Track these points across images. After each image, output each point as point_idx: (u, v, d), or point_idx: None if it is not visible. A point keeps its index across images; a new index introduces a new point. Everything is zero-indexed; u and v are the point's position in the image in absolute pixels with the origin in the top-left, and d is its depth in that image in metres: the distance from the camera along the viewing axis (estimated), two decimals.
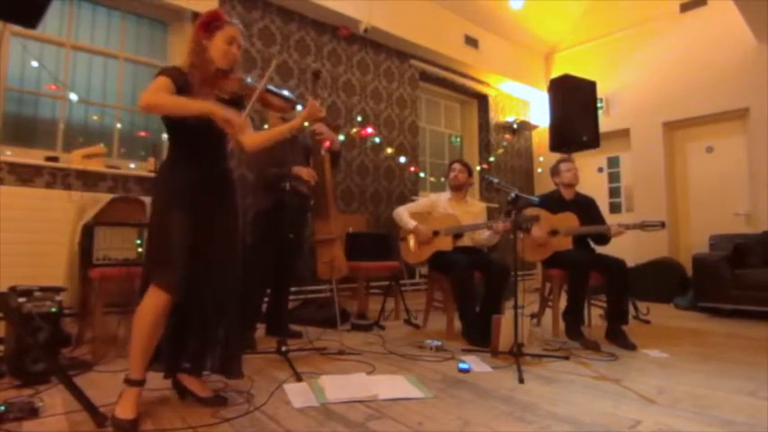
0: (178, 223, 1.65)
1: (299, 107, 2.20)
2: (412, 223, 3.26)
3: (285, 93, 1.95)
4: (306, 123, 2.75)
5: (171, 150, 1.78)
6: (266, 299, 3.04)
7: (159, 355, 1.72)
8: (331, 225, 3.18)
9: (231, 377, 1.83)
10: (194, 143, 1.75)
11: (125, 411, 1.53)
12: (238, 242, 1.86)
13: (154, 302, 1.60)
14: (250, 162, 2.96)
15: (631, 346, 2.76)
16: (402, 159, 5.12)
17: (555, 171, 3.46)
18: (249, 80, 1.89)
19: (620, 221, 3.06)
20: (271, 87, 1.88)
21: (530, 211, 3.12)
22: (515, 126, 6.68)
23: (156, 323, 1.62)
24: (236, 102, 1.83)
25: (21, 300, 2.06)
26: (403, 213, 3.35)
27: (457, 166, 3.43)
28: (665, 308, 4.59)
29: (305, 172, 2.87)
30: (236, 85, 1.82)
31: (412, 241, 3.31)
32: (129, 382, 1.59)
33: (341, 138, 4.57)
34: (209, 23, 1.74)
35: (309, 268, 3.67)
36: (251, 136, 1.90)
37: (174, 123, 1.71)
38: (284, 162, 2.85)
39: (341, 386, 1.94)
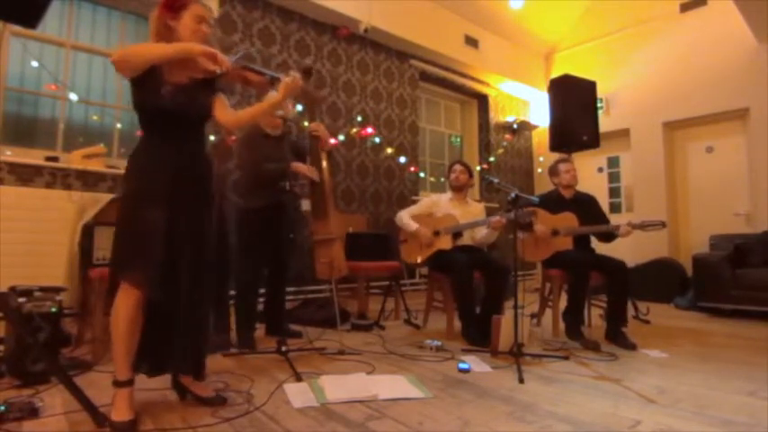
0: (153, 217, 1.57)
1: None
2: (414, 226, 3.26)
3: (261, 69, 1.87)
4: (301, 111, 2.70)
5: (144, 138, 1.68)
6: (262, 299, 3.03)
7: (140, 356, 1.66)
8: (330, 225, 3.17)
9: (198, 378, 1.77)
10: (169, 129, 1.66)
11: (121, 413, 1.52)
12: (213, 237, 1.77)
13: (125, 302, 1.55)
14: (245, 159, 2.91)
15: (631, 346, 2.76)
16: (402, 159, 5.12)
17: (554, 171, 3.45)
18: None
19: (627, 221, 3.06)
20: (248, 64, 1.82)
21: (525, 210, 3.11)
22: (515, 126, 6.68)
23: (132, 322, 1.56)
24: (211, 81, 1.75)
25: (21, 300, 2.06)
26: (404, 217, 3.36)
27: (458, 167, 3.43)
28: (665, 308, 4.59)
29: (305, 168, 2.86)
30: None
31: (413, 243, 3.31)
32: (117, 383, 1.56)
33: (341, 138, 4.59)
34: (173, 3, 1.65)
35: (309, 268, 3.67)
36: (230, 114, 1.80)
37: (148, 107, 1.63)
38: (280, 159, 2.82)
39: (341, 386, 1.94)
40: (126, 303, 1.55)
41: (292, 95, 1.98)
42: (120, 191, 1.69)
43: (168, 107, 1.62)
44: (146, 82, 1.60)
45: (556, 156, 5.59)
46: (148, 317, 1.63)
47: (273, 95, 1.86)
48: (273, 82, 1.88)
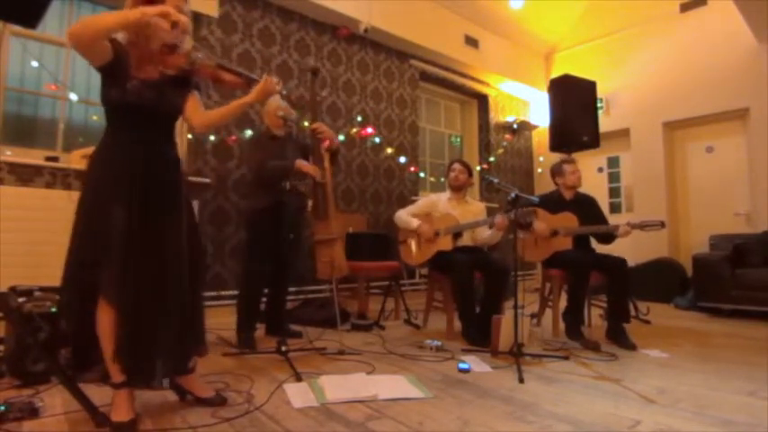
0: (117, 219, 1.49)
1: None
2: (415, 222, 3.25)
3: (238, 70, 1.83)
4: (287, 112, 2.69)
5: (108, 134, 1.61)
6: (264, 299, 3.03)
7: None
8: (331, 225, 3.17)
9: (179, 374, 1.73)
10: (135, 126, 1.59)
11: (120, 414, 1.51)
12: (181, 239, 1.65)
13: (104, 312, 1.51)
14: (249, 160, 2.93)
15: (631, 346, 2.76)
16: (402, 159, 5.12)
17: (558, 172, 3.42)
18: (199, 55, 1.70)
19: (626, 221, 3.05)
20: (223, 63, 1.78)
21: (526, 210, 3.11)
22: (515, 126, 6.68)
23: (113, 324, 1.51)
24: (185, 78, 1.70)
25: (21, 300, 2.06)
26: (404, 215, 3.35)
27: (457, 166, 3.42)
28: (665, 308, 4.59)
29: (309, 168, 2.87)
30: (183, 60, 1.65)
31: (413, 243, 3.31)
32: (114, 385, 1.55)
33: (341, 137, 4.58)
34: None
35: (309, 268, 3.67)
36: (200, 114, 1.77)
37: (113, 102, 1.57)
38: (284, 159, 2.84)
39: (341, 386, 1.94)
40: (104, 315, 1.51)
41: (267, 98, 1.94)
42: (81, 186, 1.60)
43: (134, 102, 1.55)
44: (114, 75, 1.54)
45: (556, 156, 5.60)
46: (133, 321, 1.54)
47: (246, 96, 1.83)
48: (251, 83, 1.84)
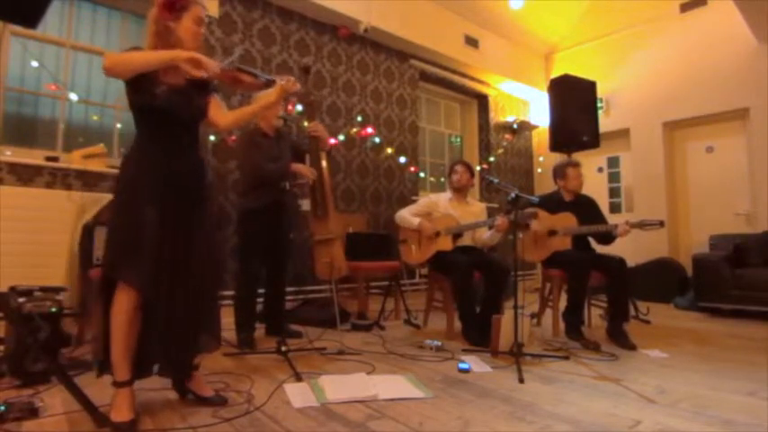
0: (149, 219, 1.57)
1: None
2: (416, 220, 3.25)
3: (255, 71, 1.89)
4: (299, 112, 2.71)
5: (138, 138, 1.70)
6: (261, 299, 3.03)
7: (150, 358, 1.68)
8: (330, 225, 3.17)
9: (180, 377, 1.78)
10: (164, 130, 1.67)
11: (120, 414, 1.52)
12: (209, 237, 1.77)
13: (123, 302, 1.56)
14: (245, 159, 2.91)
15: (631, 347, 2.76)
16: (402, 159, 5.12)
17: (561, 174, 3.40)
18: (224, 63, 1.79)
19: (625, 220, 3.05)
20: (241, 66, 1.83)
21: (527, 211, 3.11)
22: (515, 126, 6.68)
23: (130, 322, 1.57)
24: (204, 84, 1.76)
25: (21, 300, 2.06)
26: (405, 214, 3.35)
27: (460, 168, 3.40)
28: (665, 308, 4.59)
29: (305, 170, 2.86)
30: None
31: (413, 242, 3.31)
32: (116, 384, 1.56)
33: (341, 137, 4.58)
34: (174, 3, 1.64)
35: (309, 268, 3.67)
36: (224, 116, 1.84)
37: (143, 107, 1.64)
38: (279, 158, 2.82)
39: (341, 386, 1.94)
40: (124, 303, 1.56)
41: (286, 96, 2.00)
42: (114, 189, 1.69)
43: (163, 107, 1.63)
44: (141, 82, 1.60)
45: (556, 156, 5.61)
46: (144, 318, 1.63)
47: (267, 95, 1.89)
48: (269, 84, 1.90)
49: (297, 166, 2.82)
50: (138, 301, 1.57)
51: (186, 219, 1.68)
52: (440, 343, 2.71)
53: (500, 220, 3.01)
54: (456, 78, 5.92)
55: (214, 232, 1.84)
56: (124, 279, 1.55)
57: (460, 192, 3.40)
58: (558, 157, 5.92)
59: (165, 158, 1.66)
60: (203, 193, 1.77)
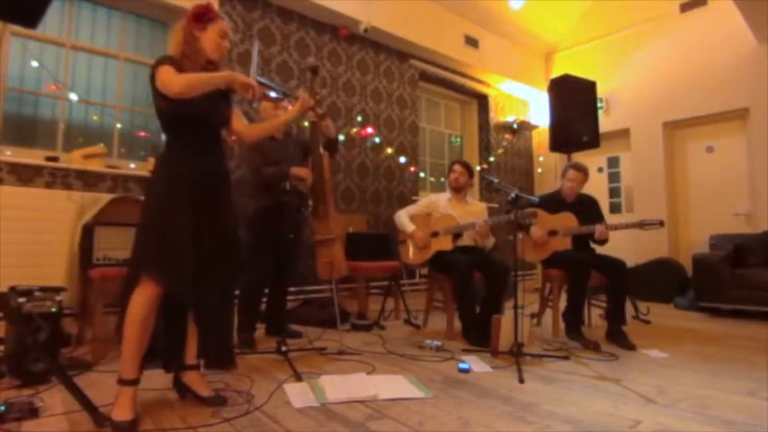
0: (182, 220, 1.64)
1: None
2: (410, 228, 3.26)
3: (274, 85, 2.02)
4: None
5: (170, 143, 1.77)
6: (265, 299, 3.03)
7: (155, 353, 1.71)
8: (330, 225, 3.17)
9: (227, 368, 1.90)
10: (194, 135, 1.76)
11: (122, 413, 1.52)
12: (237, 241, 1.88)
13: (144, 298, 1.58)
14: (247, 161, 2.93)
15: (631, 347, 2.76)
16: (402, 159, 5.12)
17: (563, 173, 3.42)
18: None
19: (619, 221, 3.04)
20: (262, 79, 1.89)
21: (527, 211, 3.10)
22: (515, 126, 6.68)
23: (147, 319, 1.59)
24: (226, 94, 1.84)
25: (21, 300, 2.06)
26: (403, 217, 3.35)
27: (458, 167, 3.40)
28: (665, 308, 4.59)
29: (303, 172, 2.87)
30: None
31: (411, 244, 3.31)
32: (122, 382, 1.57)
33: (341, 137, 4.58)
34: (202, 15, 1.76)
35: (309, 268, 3.67)
36: (245, 126, 1.95)
37: (179, 114, 1.70)
38: (281, 161, 2.83)
39: (341, 386, 1.94)
40: (145, 299, 1.59)
41: (304, 112, 2.19)
42: (146, 191, 1.81)
43: (198, 114, 1.73)
44: None
45: (556, 156, 5.61)
46: (168, 315, 1.72)
47: (288, 110, 2.14)
48: (286, 96, 2.04)
49: (294, 170, 2.83)
50: (156, 301, 1.61)
51: (217, 219, 1.78)
52: (440, 343, 2.71)
53: (478, 227, 3.02)
54: (456, 78, 5.93)
55: (236, 231, 1.92)
56: (155, 277, 1.59)
57: (459, 191, 3.40)
58: (558, 158, 5.93)
59: (197, 162, 1.74)
60: (226, 199, 1.86)
